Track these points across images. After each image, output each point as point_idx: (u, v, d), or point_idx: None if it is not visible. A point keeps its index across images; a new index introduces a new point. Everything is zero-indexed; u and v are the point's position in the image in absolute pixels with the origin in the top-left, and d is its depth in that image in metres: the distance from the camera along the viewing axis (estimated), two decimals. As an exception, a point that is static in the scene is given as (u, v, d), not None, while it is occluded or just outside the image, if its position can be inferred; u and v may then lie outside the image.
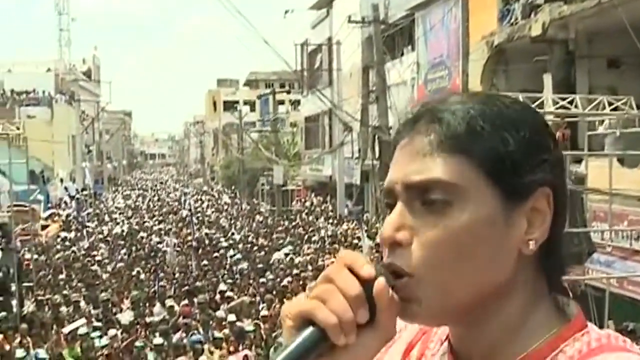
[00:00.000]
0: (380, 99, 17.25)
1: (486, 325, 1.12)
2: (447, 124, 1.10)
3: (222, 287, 19.65)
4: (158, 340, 14.30)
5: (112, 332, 15.07)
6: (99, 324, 16.14)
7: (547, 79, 17.08)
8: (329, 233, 31.96)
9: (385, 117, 17.10)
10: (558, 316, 1.14)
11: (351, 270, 1.06)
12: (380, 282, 1.06)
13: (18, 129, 19.50)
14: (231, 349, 14.20)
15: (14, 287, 18.41)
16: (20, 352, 14.11)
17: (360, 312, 1.05)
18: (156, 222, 39.38)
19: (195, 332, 15.01)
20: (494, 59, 21.14)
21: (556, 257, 1.15)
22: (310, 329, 1.05)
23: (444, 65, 24.21)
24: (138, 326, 15.88)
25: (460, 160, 1.09)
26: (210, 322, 15.85)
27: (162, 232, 33.94)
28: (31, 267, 21.81)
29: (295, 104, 57.14)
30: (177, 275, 22.21)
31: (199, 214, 41.81)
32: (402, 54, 30.06)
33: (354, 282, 1.05)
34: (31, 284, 20.10)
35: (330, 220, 36.89)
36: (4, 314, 16.93)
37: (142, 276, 22.15)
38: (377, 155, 17.64)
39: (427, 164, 1.09)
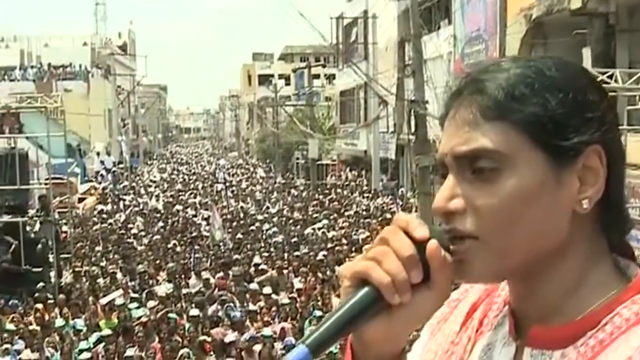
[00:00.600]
0: (417, 73, 17.13)
1: (544, 284, 1.15)
2: (488, 93, 1.12)
3: (257, 260, 19.82)
4: (194, 311, 14.47)
5: (151, 303, 15.28)
6: (136, 295, 16.38)
7: (587, 53, 16.86)
8: (364, 207, 31.99)
9: (421, 91, 16.99)
10: (618, 276, 1.15)
11: (406, 233, 1.10)
12: (433, 243, 1.09)
13: (55, 102, 19.66)
14: (265, 319, 14.35)
15: (52, 259, 18.71)
16: (59, 322, 14.38)
17: (414, 272, 1.09)
18: (191, 196, 39.64)
19: (231, 304, 15.15)
20: (532, 32, 20.89)
21: (615, 216, 1.15)
22: (366, 288, 1.09)
23: (481, 39, 23.99)
24: (174, 298, 16.08)
25: (503, 128, 1.10)
26: (246, 295, 16.01)
27: (197, 205, 34.19)
28: (68, 239, 22.10)
29: (331, 77, 57.01)
30: (212, 247, 22.37)
31: (233, 188, 42.02)
32: (439, 28, 29.83)
33: (407, 244, 1.09)
34: (69, 256, 20.37)
35: (365, 195, 36.90)
36: (42, 284, 17.22)
37: (178, 249, 22.37)
38: (412, 129, 17.54)
39: (472, 134, 1.11)
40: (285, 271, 18.38)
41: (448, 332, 1.28)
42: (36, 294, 16.60)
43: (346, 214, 29.94)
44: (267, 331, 13.04)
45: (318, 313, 14.41)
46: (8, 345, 13.05)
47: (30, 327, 14.18)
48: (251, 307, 15.00)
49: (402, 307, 1.10)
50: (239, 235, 24.25)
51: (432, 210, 1.16)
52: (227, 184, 33.53)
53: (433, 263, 1.10)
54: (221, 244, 22.39)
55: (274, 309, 15.06)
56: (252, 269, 18.70)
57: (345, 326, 1.08)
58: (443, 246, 1.11)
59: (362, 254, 1.13)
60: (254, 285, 16.65)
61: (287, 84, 69.72)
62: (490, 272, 1.14)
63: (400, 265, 1.08)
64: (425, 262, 1.09)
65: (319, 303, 15.52)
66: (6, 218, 18.70)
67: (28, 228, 19.01)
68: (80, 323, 14.51)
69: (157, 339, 13.12)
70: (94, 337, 13.57)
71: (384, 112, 32.02)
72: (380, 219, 27.75)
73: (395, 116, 33.19)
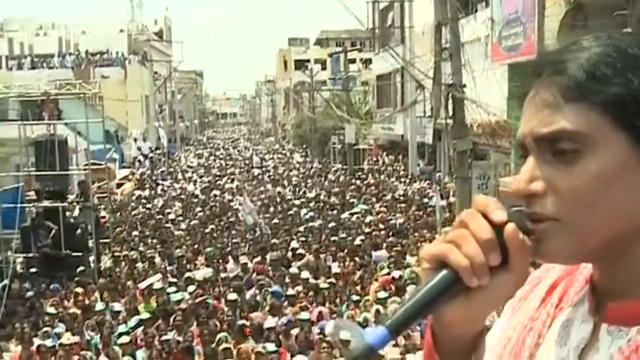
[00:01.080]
0: (454, 56, 17.01)
1: (623, 263, 1.15)
2: (569, 74, 1.11)
3: (294, 244, 19.89)
4: (232, 296, 14.56)
5: (191, 288, 15.42)
6: (174, 279, 16.54)
7: (628, 35, 16.61)
8: (401, 192, 31.93)
9: (459, 75, 16.88)
10: None
11: (484, 216, 1.11)
12: (511, 226, 1.10)
13: (93, 88, 19.86)
14: (303, 304, 14.41)
15: (91, 244, 18.96)
16: (99, 305, 14.58)
17: (492, 255, 1.10)
18: (228, 181, 39.85)
19: (269, 289, 15.23)
20: (572, 14, 20.64)
21: None
22: (444, 271, 1.10)
23: (519, 22, 23.72)
24: (212, 282, 16.20)
25: (584, 109, 1.10)
26: (284, 279, 16.10)
27: (234, 190, 34.37)
28: (107, 224, 22.36)
29: (367, 62, 56.79)
30: (249, 232, 22.50)
31: (270, 173, 42.16)
32: (476, 10, 29.54)
33: (485, 227, 1.10)
34: (108, 241, 20.62)
35: (402, 180, 36.82)
36: (82, 269, 17.47)
37: (216, 233, 22.53)
38: (450, 113, 17.43)
39: (553, 116, 1.11)
40: (322, 256, 18.43)
41: (528, 309, 1.29)
42: (76, 278, 16.88)
43: (383, 198, 29.90)
44: (304, 315, 13.08)
45: (355, 298, 14.47)
46: (48, 329, 13.24)
47: (70, 311, 14.40)
48: (289, 291, 15.07)
49: (481, 289, 1.11)
50: (276, 220, 24.33)
51: (512, 192, 1.17)
52: (264, 169, 33.61)
53: (511, 246, 1.10)
54: (256, 228, 22.52)
55: (311, 293, 15.11)
56: (290, 253, 18.78)
57: (424, 308, 1.10)
58: (521, 229, 1.11)
59: (441, 237, 1.15)
60: (292, 270, 16.73)
61: (323, 69, 69.63)
62: (569, 254, 1.14)
63: (478, 248, 1.09)
64: (503, 245, 1.10)
65: (357, 288, 15.58)
66: (46, 203, 18.96)
67: (68, 213, 19.26)
68: (118, 306, 14.68)
69: (195, 324, 13.25)
70: (133, 320, 13.73)
71: (420, 96, 31.83)
72: (417, 204, 27.71)
73: (433, 100, 33.08)
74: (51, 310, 14.40)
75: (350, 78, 47.53)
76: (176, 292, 15.15)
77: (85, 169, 21.37)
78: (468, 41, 22.34)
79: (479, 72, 17.02)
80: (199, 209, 28.56)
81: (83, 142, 22.89)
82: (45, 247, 18.40)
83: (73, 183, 23.34)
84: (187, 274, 16.70)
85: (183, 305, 13.90)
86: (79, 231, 18.84)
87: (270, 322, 12.93)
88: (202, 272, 16.88)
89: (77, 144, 21.57)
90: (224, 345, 11.45)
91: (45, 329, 13.18)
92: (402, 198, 29.68)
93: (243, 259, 18.16)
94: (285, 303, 14.40)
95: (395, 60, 28.52)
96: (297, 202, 29.35)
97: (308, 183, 37.11)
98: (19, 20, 66.95)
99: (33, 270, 18.07)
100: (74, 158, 22.74)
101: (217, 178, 41.98)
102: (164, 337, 12.08)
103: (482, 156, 25.53)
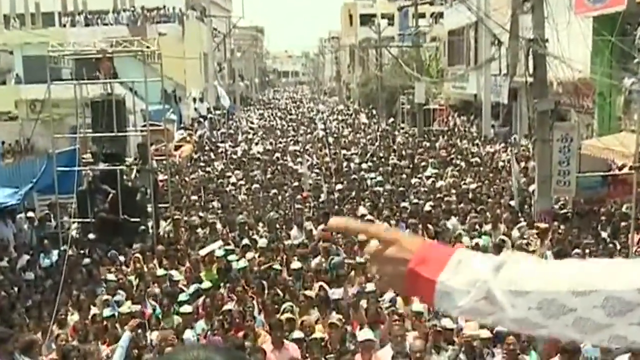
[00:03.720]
0: (536, 8, 16.59)
1: None
2: None
3: (362, 210, 19.79)
4: (296, 264, 14.54)
5: (249, 255, 15.43)
6: (236, 247, 16.56)
7: None
8: (473, 155, 31.61)
9: (541, 29, 16.47)
10: None
11: None
12: None
13: (152, 46, 19.85)
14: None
15: (150, 208, 19.11)
16: (160, 272, 14.69)
17: None
18: (291, 143, 39.87)
19: (336, 257, 15.18)
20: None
21: None
22: None
23: (605, -30, 23.09)
24: (275, 250, 16.19)
25: None
26: (353, 247, 16.02)
27: (298, 152, 34.37)
28: (166, 188, 22.53)
29: (438, 16, 56.03)
30: (314, 197, 22.47)
31: (335, 135, 42.07)
32: (558, -41, 28.86)
33: None
34: (167, 206, 20.78)
35: (475, 142, 36.44)
36: (142, 229, 17.68)
37: (279, 198, 22.54)
38: (530, 70, 17.06)
39: None
40: (392, 222, 18.30)
41: None
42: (134, 245, 17.06)
43: (455, 162, 29.63)
44: (370, 286, 12.98)
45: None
46: (108, 297, 13.39)
47: (130, 278, 14.57)
48: (358, 259, 14.99)
49: None
50: (340, 186, 24.21)
51: None
52: (328, 131, 33.53)
53: None
54: (321, 193, 22.49)
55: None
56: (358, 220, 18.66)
57: None
58: None
59: None
60: (361, 237, 16.56)
61: (391, 24, 68.91)
62: None
63: None
64: None
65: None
66: (103, 166, 19.13)
67: (125, 177, 19.40)
68: (176, 275, 14.76)
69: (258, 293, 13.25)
70: (191, 288, 13.81)
71: (496, 53, 31.26)
72: (491, 167, 27.39)
73: (509, 57, 32.48)
74: (111, 277, 14.57)
75: (420, 34, 47.01)
76: (238, 259, 15.21)
77: (143, 131, 21.47)
78: (550, -8, 21.83)
79: (562, 25, 16.54)
80: (259, 172, 28.62)
81: (139, 102, 23.04)
82: (103, 212, 18.59)
83: (130, 145, 23.56)
84: (245, 241, 16.70)
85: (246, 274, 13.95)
86: (137, 195, 18.99)
87: (336, 293, 12.89)
88: (264, 239, 16.89)
89: (134, 104, 21.60)
90: (287, 315, 11.45)
91: (105, 297, 13.35)
92: (474, 162, 29.35)
93: (307, 225, 18.11)
94: (353, 273, 14.36)
95: (469, 14, 28.03)
96: (363, 165, 29.19)
97: (375, 146, 36.92)
98: (73, -25, 67.58)
99: (90, 236, 18.30)
100: (130, 119, 22.88)
101: (279, 140, 42.04)
102: (225, 307, 12.11)
103: (563, 117, 25.05)
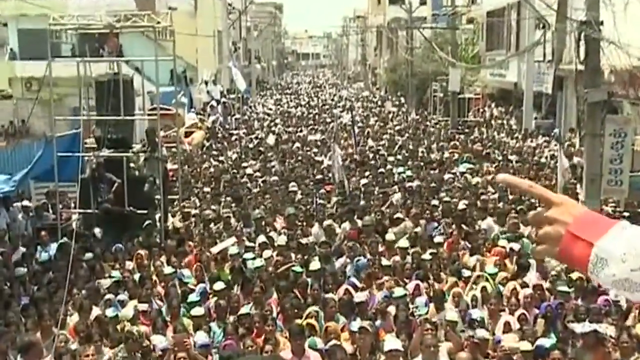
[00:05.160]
0: (591, -13, 16.44)
1: None
2: None
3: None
4: (316, 264, 14.50)
5: (267, 253, 15.39)
6: (252, 244, 16.55)
7: None
8: (513, 150, 31.47)
9: (595, 10, 16.29)
10: None
11: None
12: None
13: (164, 21, 19.74)
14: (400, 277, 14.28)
15: (158, 200, 19.08)
16: (168, 270, 14.67)
17: None
18: (312, 132, 39.80)
19: (362, 258, 15.13)
20: None
21: None
22: None
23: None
24: (294, 249, 16.13)
25: None
26: (379, 247, 15.96)
27: (319, 143, 34.29)
28: (175, 178, 22.49)
29: (476, -4, 55.82)
30: (337, 192, 22.40)
31: (360, 124, 41.96)
32: None
33: None
34: (176, 197, 20.75)
35: (514, 135, 36.27)
36: (150, 222, 17.66)
37: (299, 192, 22.48)
38: (581, 57, 16.88)
39: None
40: (422, 222, 18.22)
41: None
42: (140, 239, 17.04)
43: (492, 157, 29.50)
44: (398, 291, 12.92)
45: (467, 273, 14.23)
46: (111, 296, 13.37)
47: (135, 276, 14.56)
48: (384, 261, 14.93)
49: None
50: (365, 181, 24.12)
51: None
52: (353, 120, 33.36)
53: None
54: (345, 188, 22.44)
55: (407, 265, 14.95)
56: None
57: None
58: None
59: None
60: (389, 236, 16.57)
61: (423, 3, 68.65)
62: None
63: None
64: None
65: (465, 261, 15.35)
66: (108, 153, 19.11)
67: (132, 165, 19.38)
68: (187, 274, 14.76)
69: (275, 295, 13.24)
70: (199, 288, 13.79)
71: (541, 37, 31.11)
72: (532, 164, 27.26)
73: (555, 41, 32.30)
74: (116, 274, 14.58)
75: (456, 14, 46.80)
76: (254, 258, 15.18)
77: (152, 114, 21.42)
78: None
79: (619, 6, 16.36)
80: (277, 163, 28.56)
81: (147, 84, 22.99)
82: (107, 202, 18.59)
83: (137, 130, 23.52)
84: (261, 238, 16.65)
85: (263, 274, 13.91)
86: (145, 186, 18.95)
87: (360, 296, 12.85)
88: (283, 237, 16.85)
89: (143, 86, 21.54)
90: (310, 321, 11.41)
91: (107, 296, 13.34)
92: (514, 157, 29.21)
93: (329, 222, 18.05)
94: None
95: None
96: (391, 158, 29.10)
97: (404, 137, 36.79)
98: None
99: (93, 229, 18.30)
100: (136, 102, 22.87)
101: (299, 128, 41.97)
102: (243, 310, 12.07)
103: (615, 109, 24.84)
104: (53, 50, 21.80)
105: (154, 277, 14.76)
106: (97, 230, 18.15)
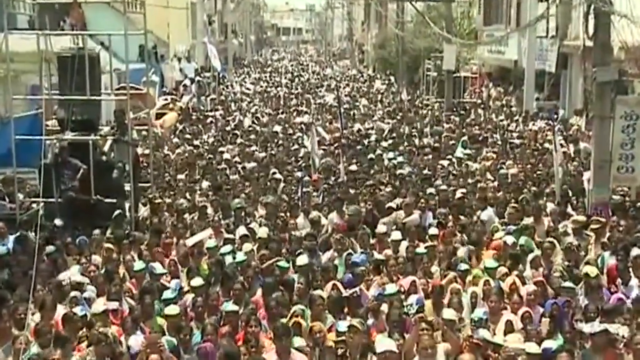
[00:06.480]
0: (599, -46, 16.43)
1: None
2: None
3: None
4: (303, 259, 14.44)
5: (247, 246, 15.33)
6: (230, 235, 16.50)
7: None
8: (513, 134, 31.49)
9: (606, -19, 16.31)
10: None
11: None
12: None
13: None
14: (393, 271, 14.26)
15: (128, 188, 18.98)
16: (138, 265, 14.57)
17: None
18: (294, 113, 39.71)
19: (350, 251, 15.10)
20: None
21: None
22: None
23: None
24: (276, 242, 16.07)
25: None
26: (369, 240, 15.94)
27: (303, 125, 34.22)
28: (145, 163, 22.37)
29: (472, -35, 55.83)
30: (323, 180, 22.36)
31: (347, 105, 41.90)
32: None
33: None
34: (148, 185, 20.65)
35: (515, 118, 36.30)
36: (119, 212, 17.55)
37: (281, 180, 22.42)
38: (590, 32, 16.88)
39: None
40: (416, 212, 18.21)
41: None
42: (108, 231, 16.94)
43: (490, 142, 29.53)
44: (390, 288, 12.89)
45: (464, 266, 14.21)
46: (77, 293, 13.26)
47: (103, 271, 14.46)
48: (376, 255, 14.92)
49: None
50: (354, 167, 24.09)
51: None
52: (339, 100, 33.24)
53: None
54: (331, 175, 22.40)
55: (401, 259, 14.93)
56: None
57: None
58: None
59: None
60: (381, 228, 16.54)
61: (416, -27, 68.66)
62: None
63: None
64: None
65: (462, 254, 15.33)
66: (72, 136, 18.95)
67: (99, 149, 19.25)
68: (158, 267, 14.65)
69: (259, 292, 13.19)
70: (172, 284, 13.73)
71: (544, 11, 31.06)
72: (534, 149, 27.29)
73: (559, 15, 32.31)
74: (78, 268, 14.48)
75: (451, -15, 46.76)
76: (233, 251, 15.13)
77: (122, 94, 21.22)
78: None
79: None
80: (258, 148, 28.50)
81: (114, 60, 22.71)
82: (71, 190, 18.45)
83: (104, 111, 23.32)
84: (242, 230, 16.59)
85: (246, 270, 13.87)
86: (113, 172, 18.82)
87: (351, 291, 12.84)
88: (265, 229, 16.80)
89: (111, 63, 21.31)
90: (298, 319, 11.37)
91: (73, 293, 13.23)
92: (515, 142, 29.23)
93: (315, 213, 18.02)
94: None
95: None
96: (383, 143, 29.09)
97: (394, 120, 36.77)
98: None
99: (55, 219, 18.16)
100: (103, 80, 22.66)
101: (280, 110, 41.88)
102: (230, 308, 12.02)
103: (626, 89, 24.91)
104: (9, 21, 21.60)
105: (123, 272, 14.69)
106: (57, 221, 17.94)
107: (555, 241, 15.42)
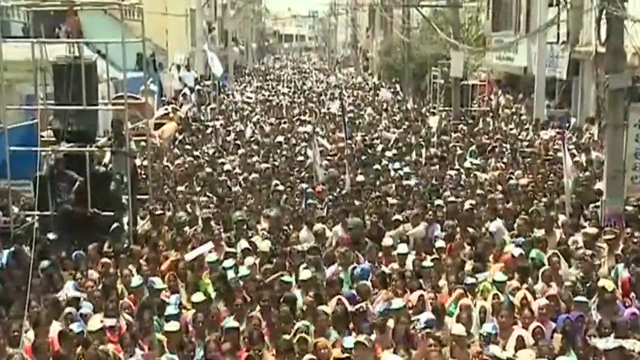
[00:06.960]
0: (614, -40, 16.45)
1: None
2: None
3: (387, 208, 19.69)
4: (306, 273, 14.46)
5: (249, 260, 15.33)
6: (232, 249, 16.50)
7: None
8: (523, 143, 31.44)
9: (619, -14, 16.32)
10: None
11: None
12: None
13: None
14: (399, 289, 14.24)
15: (126, 200, 18.97)
16: (136, 280, 14.57)
17: None
18: (297, 123, 39.71)
19: (356, 265, 15.11)
20: None
21: None
22: None
23: None
24: (279, 255, 16.09)
25: None
26: (377, 254, 15.94)
27: (306, 135, 34.19)
28: (144, 175, 22.35)
29: (480, -31, 55.95)
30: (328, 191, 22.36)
31: (351, 114, 41.89)
32: None
33: None
34: (146, 197, 20.63)
35: (525, 126, 36.27)
36: (116, 225, 17.54)
37: (284, 192, 22.42)
38: (602, 38, 16.89)
39: None
40: (423, 224, 18.21)
41: None
42: (106, 245, 16.93)
43: (500, 151, 29.47)
44: (397, 303, 12.90)
45: (470, 280, 14.20)
46: (72, 309, 13.25)
47: (100, 287, 14.45)
48: (382, 269, 14.94)
49: None
50: (359, 178, 24.08)
51: None
52: (343, 109, 33.22)
53: None
54: (336, 187, 22.39)
55: (407, 273, 14.94)
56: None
57: None
58: None
59: None
60: (387, 241, 16.55)
61: (422, -22, 68.80)
62: None
63: None
64: None
65: (469, 267, 15.33)
66: (68, 147, 18.95)
67: (96, 161, 19.25)
68: (158, 282, 14.66)
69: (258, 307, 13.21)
70: (172, 299, 13.74)
71: (555, 17, 31.10)
72: (545, 159, 27.24)
73: (570, 20, 32.32)
74: (72, 284, 14.47)
75: (459, -9, 46.84)
76: (233, 266, 15.14)
77: (119, 104, 21.21)
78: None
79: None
80: (259, 158, 28.48)
81: (111, 69, 22.72)
82: (67, 203, 18.46)
83: (101, 121, 23.33)
84: (243, 244, 16.61)
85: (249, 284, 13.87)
86: (111, 184, 18.82)
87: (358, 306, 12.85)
88: (267, 242, 16.82)
89: (108, 71, 21.32)
90: (303, 336, 11.38)
91: (68, 309, 13.22)
92: (525, 151, 29.19)
93: (319, 226, 18.02)
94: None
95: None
96: (387, 153, 29.08)
97: (400, 129, 36.75)
98: None
99: (50, 233, 18.15)
100: (100, 89, 22.67)
101: (283, 119, 41.87)
102: (230, 324, 12.01)
103: (639, 96, 24.90)
104: (3, 29, 21.62)
105: (121, 288, 14.68)
106: (50, 235, 17.92)
107: (559, 254, 15.35)
